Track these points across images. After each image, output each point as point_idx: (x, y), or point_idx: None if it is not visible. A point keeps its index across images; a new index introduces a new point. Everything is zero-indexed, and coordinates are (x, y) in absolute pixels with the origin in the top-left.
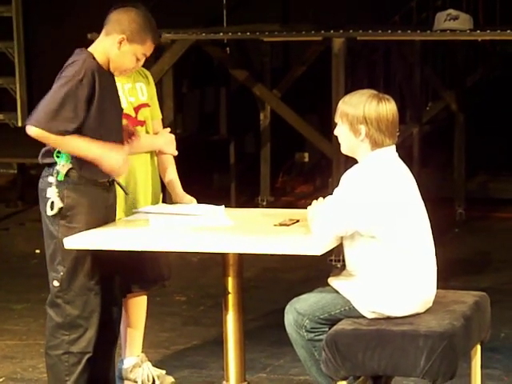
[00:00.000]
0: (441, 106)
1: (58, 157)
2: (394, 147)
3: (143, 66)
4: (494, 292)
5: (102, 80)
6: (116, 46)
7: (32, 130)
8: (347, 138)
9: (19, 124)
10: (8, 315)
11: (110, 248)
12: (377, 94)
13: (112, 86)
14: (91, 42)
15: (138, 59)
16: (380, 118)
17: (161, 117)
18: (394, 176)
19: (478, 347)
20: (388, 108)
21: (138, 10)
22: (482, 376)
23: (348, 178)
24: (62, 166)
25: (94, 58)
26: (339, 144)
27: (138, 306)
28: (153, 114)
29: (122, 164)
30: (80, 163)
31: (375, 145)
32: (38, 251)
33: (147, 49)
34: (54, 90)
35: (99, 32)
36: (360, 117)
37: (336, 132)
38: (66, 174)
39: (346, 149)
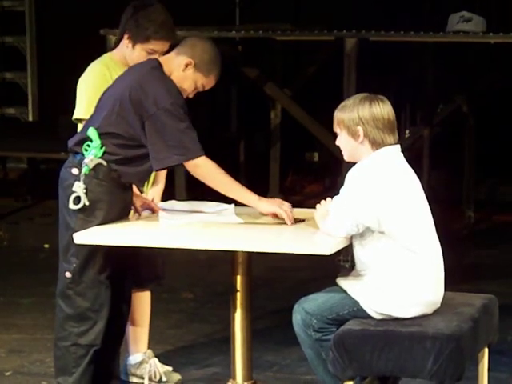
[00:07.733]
0: (452, 109)
1: (86, 150)
2: (398, 146)
3: None
4: (502, 295)
5: None
6: (182, 68)
7: (198, 164)
8: (347, 144)
9: (30, 118)
10: (16, 309)
11: (120, 244)
12: (369, 96)
13: None
14: (103, 37)
15: (195, 88)
16: (375, 116)
17: None
18: (397, 173)
19: (486, 350)
20: (381, 107)
21: (213, 43)
22: (489, 379)
23: (352, 175)
24: (91, 160)
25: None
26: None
27: (140, 303)
28: None
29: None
30: (117, 161)
31: (375, 144)
32: (46, 246)
33: (209, 82)
34: (172, 125)
35: (112, 28)
36: (356, 119)
37: (337, 142)
38: (93, 169)
39: (348, 155)
